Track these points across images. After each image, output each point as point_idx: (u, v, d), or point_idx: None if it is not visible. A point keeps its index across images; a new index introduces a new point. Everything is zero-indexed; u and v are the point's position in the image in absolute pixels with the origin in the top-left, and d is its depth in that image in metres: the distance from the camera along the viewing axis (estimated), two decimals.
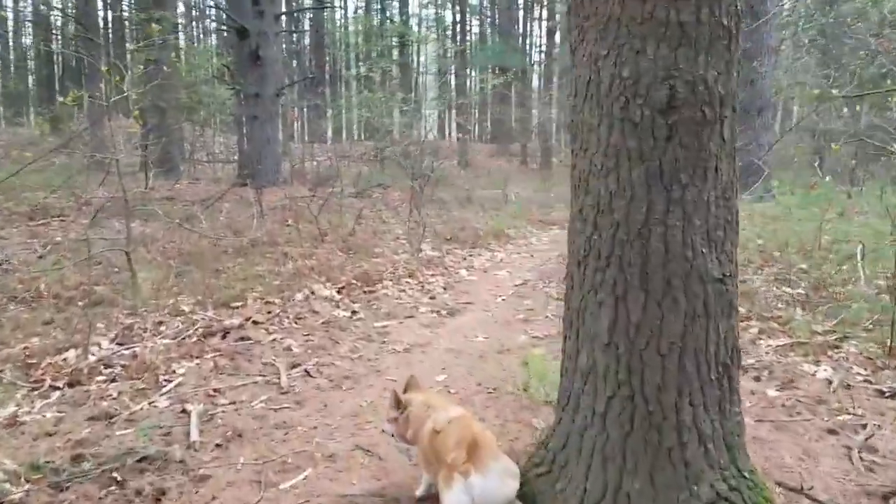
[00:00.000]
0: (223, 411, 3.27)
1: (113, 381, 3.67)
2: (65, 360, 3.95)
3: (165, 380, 3.66)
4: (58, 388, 3.56)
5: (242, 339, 4.39)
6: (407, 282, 5.89)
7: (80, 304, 5.34)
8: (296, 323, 4.74)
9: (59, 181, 9.91)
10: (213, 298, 5.33)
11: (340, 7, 35.97)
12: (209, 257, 6.83)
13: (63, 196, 10.13)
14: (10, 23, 23.82)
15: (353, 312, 4.97)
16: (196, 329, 4.61)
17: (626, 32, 1.91)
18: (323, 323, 4.75)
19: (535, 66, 29.44)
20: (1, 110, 26.20)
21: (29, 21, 26.40)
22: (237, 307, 5.19)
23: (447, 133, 34.00)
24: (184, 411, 3.23)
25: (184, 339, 4.46)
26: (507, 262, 6.86)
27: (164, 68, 14.76)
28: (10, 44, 26.89)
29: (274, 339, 4.38)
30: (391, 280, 5.91)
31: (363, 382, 3.66)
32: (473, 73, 30.31)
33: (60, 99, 8.12)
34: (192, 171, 17.71)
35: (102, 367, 3.85)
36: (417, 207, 7.04)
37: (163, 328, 4.69)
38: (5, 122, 24.91)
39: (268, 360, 4.03)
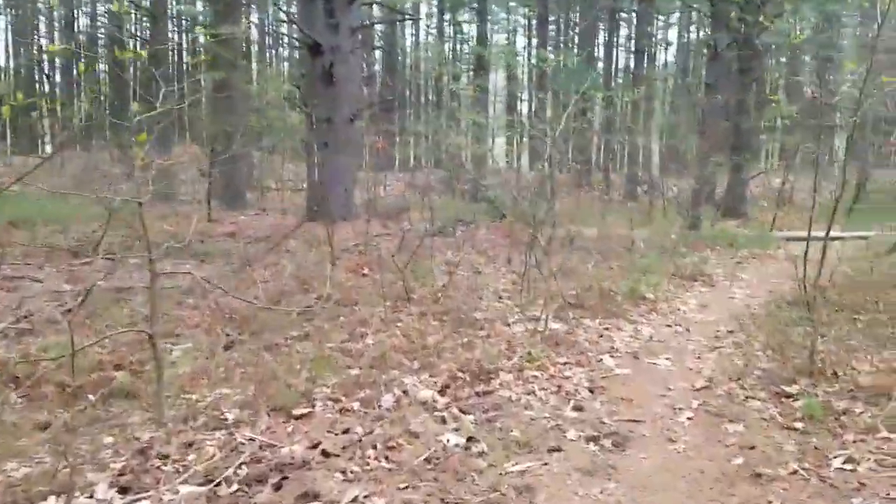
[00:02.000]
0: None
1: None
2: None
3: None
4: None
5: (305, 495, 2.77)
6: (534, 376, 4.19)
7: (90, 396, 3.91)
8: (385, 459, 3.11)
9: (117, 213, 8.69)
10: (268, 397, 3.79)
11: (412, 30, 35.09)
12: (267, 322, 5.33)
13: (118, 229, 8.89)
14: (82, 48, 23.70)
15: (470, 439, 3.30)
16: (239, 465, 3.04)
17: None
18: (426, 461, 3.10)
19: (620, 93, 27.53)
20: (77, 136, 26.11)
21: (103, 47, 26.38)
22: (300, 417, 3.62)
23: (517, 161, 32.42)
24: None
25: (218, 484, 2.89)
26: (661, 342, 5.08)
27: (233, 92, 13.84)
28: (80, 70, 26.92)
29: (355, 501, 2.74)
30: (511, 372, 4.22)
31: None
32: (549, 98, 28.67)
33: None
34: (260, 199, 16.66)
35: None
36: (538, 263, 5.36)
37: (191, 456, 3.15)
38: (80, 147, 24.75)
39: None
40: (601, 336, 5.13)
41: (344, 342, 4.87)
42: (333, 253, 7.46)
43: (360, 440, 3.27)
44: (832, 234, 11.70)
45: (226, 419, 3.57)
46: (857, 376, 3.67)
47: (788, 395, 3.62)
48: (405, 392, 3.87)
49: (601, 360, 4.55)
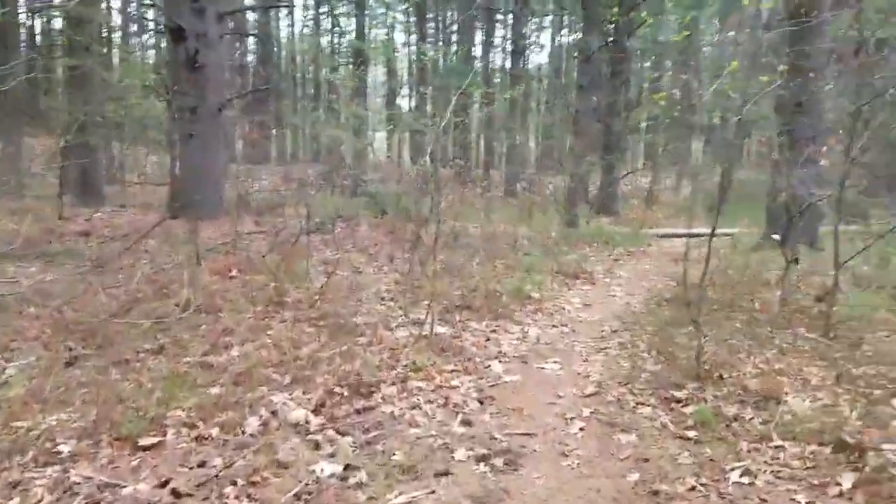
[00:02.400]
0: None
1: None
2: None
3: None
4: None
5: None
6: (419, 388, 3.86)
7: None
8: (248, 498, 2.66)
9: None
10: (112, 424, 3.22)
11: (288, 21, 33.85)
12: (116, 333, 4.67)
13: None
14: None
15: (347, 467, 2.92)
16: None
17: None
18: (296, 497, 2.68)
19: (499, 91, 27.91)
20: None
21: None
22: (149, 447, 3.09)
23: (398, 157, 32.28)
24: None
25: None
26: (548, 344, 4.91)
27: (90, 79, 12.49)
28: None
29: None
30: (394, 384, 3.88)
31: None
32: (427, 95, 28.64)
33: None
34: (121, 194, 15.26)
35: None
36: (422, 262, 5.02)
37: (14, 501, 2.58)
38: None
39: None
40: (488, 339, 4.89)
41: (205, 355, 4.32)
42: (198, 253, 6.78)
43: (218, 475, 2.80)
44: (698, 230, 12.20)
45: (60, 452, 2.99)
46: (743, 379, 3.64)
47: (678, 401, 3.52)
48: (274, 413, 3.42)
49: (489, 366, 4.31)
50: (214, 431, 3.21)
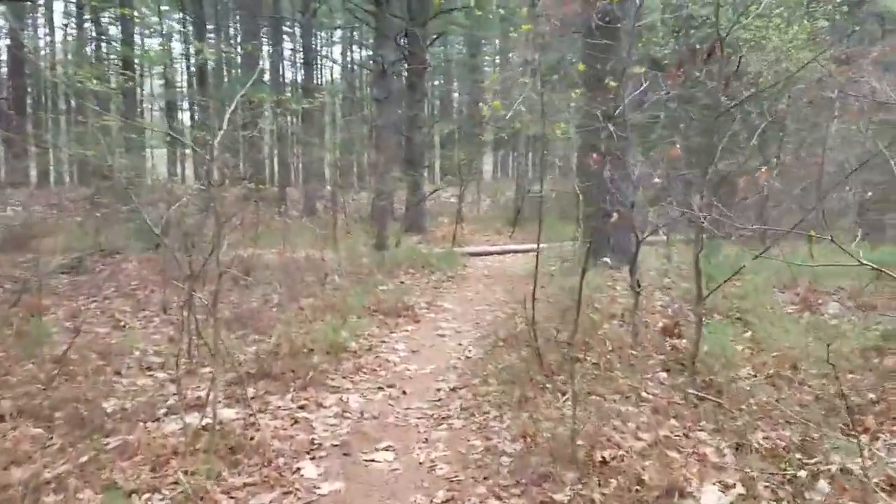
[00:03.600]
0: None
1: None
2: None
3: None
4: None
5: None
6: None
7: None
8: None
9: None
10: None
11: (45, 28, 29.34)
12: None
13: None
14: None
15: None
16: None
17: None
18: None
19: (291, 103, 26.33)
20: None
21: None
22: None
23: (181, 176, 29.41)
24: None
25: None
26: (376, 419, 3.82)
27: None
28: None
29: None
30: None
31: None
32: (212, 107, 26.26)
33: None
34: None
35: None
36: (211, 309, 3.63)
37: None
38: None
39: None
40: (296, 422, 3.68)
41: None
42: None
43: None
44: (508, 247, 11.80)
45: None
46: (631, 463, 2.84)
47: None
48: None
49: (300, 470, 3.12)
50: None
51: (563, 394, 3.76)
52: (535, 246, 11.98)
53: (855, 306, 5.84)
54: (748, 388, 3.68)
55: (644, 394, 3.77)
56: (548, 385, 3.96)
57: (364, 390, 4.24)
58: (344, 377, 4.43)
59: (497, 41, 28.05)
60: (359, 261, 8.66)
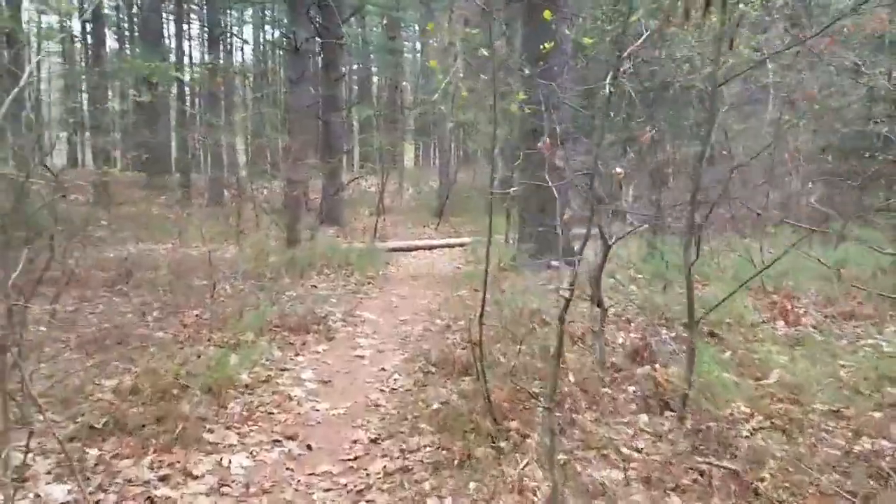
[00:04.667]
0: None
1: None
2: None
3: None
4: None
5: None
6: None
7: None
8: None
9: None
10: None
11: None
12: None
13: None
14: None
15: None
16: None
17: None
18: None
19: (197, 83, 24.35)
20: None
21: None
22: None
23: (81, 161, 26.99)
24: None
25: None
26: (267, 493, 2.79)
27: None
28: None
29: None
30: None
31: None
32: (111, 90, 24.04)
33: None
34: None
35: None
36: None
37: None
38: None
39: None
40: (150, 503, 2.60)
41: None
42: None
43: None
44: (434, 241, 10.84)
45: None
46: None
47: None
48: None
49: None
50: None
51: (522, 452, 2.84)
52: (462, 240, 11.11)
53: (834, 314, 5.20)
54: (761, 441, 2.87)
55: (624, 449, 2.90)
56: (498, 436, 3.03)
57: (254, 446, 3.18)
58: (228, 427, 3.34)
59: (416, 25, 27.01)
60: (265, 259, 7.48)
